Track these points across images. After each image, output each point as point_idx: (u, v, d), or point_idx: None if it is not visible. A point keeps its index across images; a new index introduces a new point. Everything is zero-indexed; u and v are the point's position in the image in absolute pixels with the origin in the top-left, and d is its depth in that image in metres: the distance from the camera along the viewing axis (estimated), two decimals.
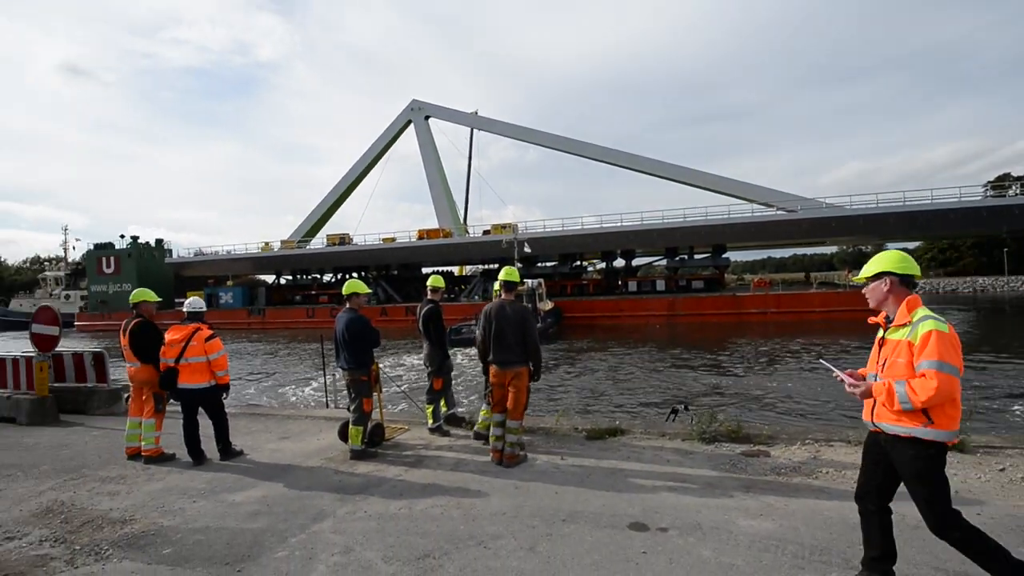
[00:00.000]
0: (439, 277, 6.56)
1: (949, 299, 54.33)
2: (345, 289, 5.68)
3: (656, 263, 53.99)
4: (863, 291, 2.81)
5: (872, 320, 2.81)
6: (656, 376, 17.30)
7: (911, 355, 2.46)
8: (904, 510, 3.59)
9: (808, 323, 32.58)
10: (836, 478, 4.28)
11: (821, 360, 3.13)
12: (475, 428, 5.87)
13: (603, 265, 50.31)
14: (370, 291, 5.82)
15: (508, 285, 5.15)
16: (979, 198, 36.91)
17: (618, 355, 22.11)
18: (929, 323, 2.44)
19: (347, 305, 5.63)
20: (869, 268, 2.74)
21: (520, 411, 4.98)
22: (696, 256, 46.03)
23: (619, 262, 49.18)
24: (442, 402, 6.33)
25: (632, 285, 45.61)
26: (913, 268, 2.64)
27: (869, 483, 2.76)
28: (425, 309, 6.27)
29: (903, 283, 2.63)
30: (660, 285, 44.36)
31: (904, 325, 2.54)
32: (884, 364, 2.62)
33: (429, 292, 6.47)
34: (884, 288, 2.66)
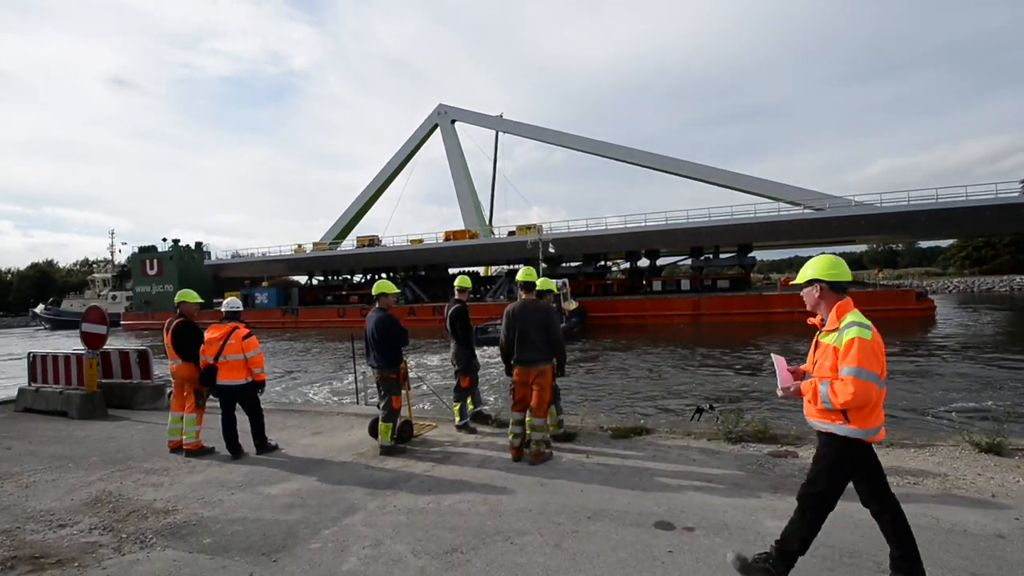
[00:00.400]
0: (466, 278, 6.65)
1: (984, 298, 52.05)
2: (375, 289, 5.83)
3: (681, 263, 53.29)
4: (801, 295, 2.95)
5: (810, 321, 2.99)
6: (681, 375, 17.08)
7: (835, 359, 2.63)
8: (938, 513, 3.52)
9: None
10: None
11: (771, 355, 3.25)
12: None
13: (627, 265, 49.93)
14: (398, 291, 5.93)
15: (526, 285, 5.26)
16: (1016, 194, 35.21)
17: (642, 354, 21.90)
18: (853, 330, 2.58)
19: (376, 305, 5.77)
20: (802, 274, 2.91)
21: (544, 408, 5.04)
22: (721, 255, 45.31)
23: (643, 262, 48.77)
24: (469, 400, 6.42)
25: (657, 285, 45.14)
26: (842, 275, 2.78)
27: (860, 488, 2.87)
28: (452, 308, 6.36)
29: (833, 289, 2.78)
30: (685, 285, 43.85)
31: (833, 330, 2.69)
32: (816, 365, 2.81)
33: (456, 292, 6.56)
34: (816, 294, 2.83)
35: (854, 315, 2.67)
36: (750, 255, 44.02)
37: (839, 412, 2.63)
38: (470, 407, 6.44)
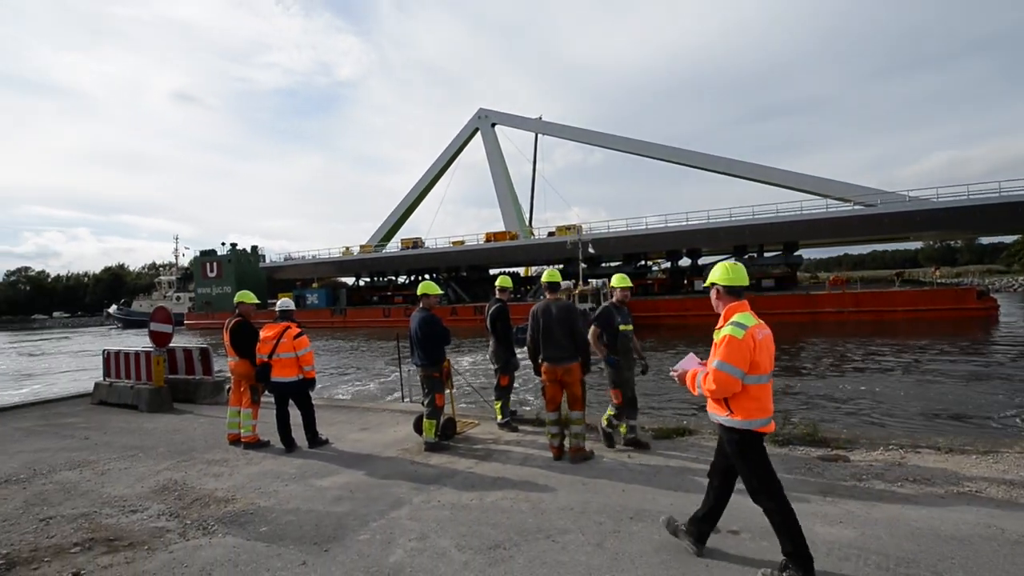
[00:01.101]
0: (507, 278, 6.75)
1: None
2: (419, 290, 5.97)
3: (723, 262, 51.82)
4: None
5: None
6: None
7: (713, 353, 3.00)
8: (1004, 523, 3.33)
9: (890, 323, 30.22)
10: (924, 487, 4.01)
11: (691, 353, 3.46)
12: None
13: (668, 264, 49.00)
14: (441, 292, 6.09)
15: (551, 286, 5.44)
16: None
17: (683, 354, 21.39)
18: (728, 328, 2.93)
19: (420, 305, 5.91)
20: (709, 279, 3.23)
21: (580, 403, 5.10)
22: (766, 254, 43.97)
23: (685, 261, 47.75)
24: (499, 404, 6.46)
25: (699, 284, 44.10)
26: (737, 280, 3.11)
27: (717, 463, 3.20)
28: (493, 308, 6.47)
29: (728, 292, 3.11)
30: None
31: (719, 328, 3.02)
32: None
33: (497, 292, 6.66)
34: (714, 296, 3.19)
35: (739, 316, 2.97)
36: (796, 253, 42.56)
37: (722, 403, 2.96)
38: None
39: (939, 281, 40.94)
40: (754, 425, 2.89)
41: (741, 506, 3.76)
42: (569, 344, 5.08)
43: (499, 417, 6.36)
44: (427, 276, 54.13)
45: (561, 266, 50.09)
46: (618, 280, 5.69)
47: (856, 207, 38.07)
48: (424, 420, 5.65)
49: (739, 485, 4.15)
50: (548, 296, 5.40)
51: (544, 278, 5.50)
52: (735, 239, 41.20)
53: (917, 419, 10.77)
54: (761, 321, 3.03)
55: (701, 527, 3.16)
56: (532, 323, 5.30)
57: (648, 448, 5.27)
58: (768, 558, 3.05)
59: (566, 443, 5.12)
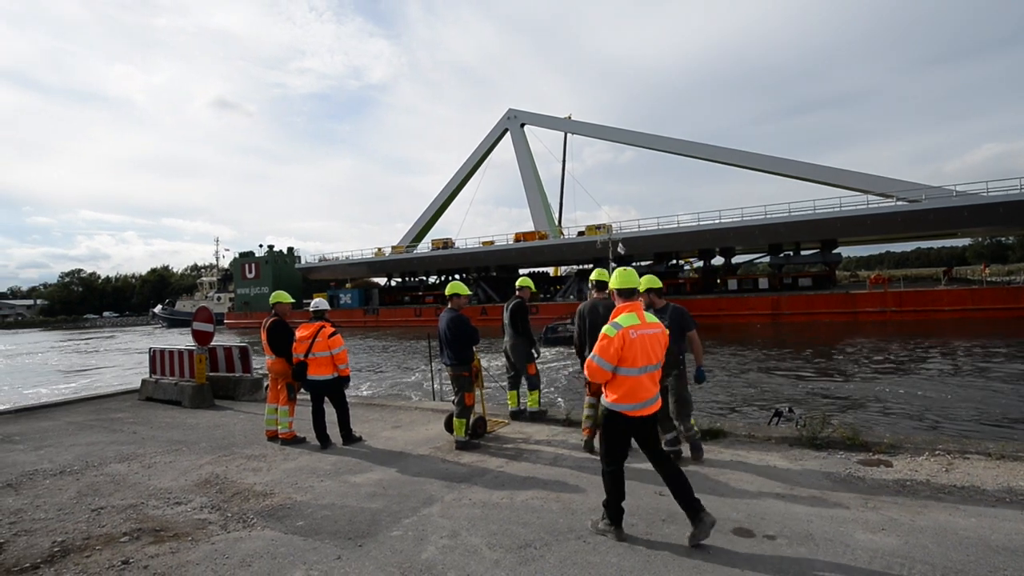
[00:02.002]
0: (527, 279, 6.92)
1: None
2: (448, 290, 6.04)
3: (758, 260, 50.56)
4: None
5: None
6: (758, 377, 16.21)
7: None
8: None
9: (936, 323, 28.92)
10: (973, 494, 3.83)
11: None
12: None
13: (701, 264, 48.05)
14: (470, 293, 6.19)
15: (599, 285, 5.48)
16: None
17: (717, 355, 20.99)
18: (606, 328, 3.45)
19: (449, 305, 5.97)
20: (610, 285, 3.79)
21: None
22: (803, 252, 42.70)
23: (718, 260, 46.73)
24: (536, 393, 6.71)
25: (732, 284, 43.11)
26: (628, 283, 3.62)
27: (643, 451, 3.63)
28: (513, 304, 6.71)
29: (620, 295, 3.61)
30: (763, 283, 41.68)
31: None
32: None
33: (517, 291, 6.84)
34: (613, 297, 3.71)
35: (620, 317, 3.46)
36: (835, 251, 41.17)
37: (604, 388, 3.53)
38: (530, 404, 6.72)
39: (989, 279, 38.99)
40: (620, 408, 3.43)
41: (780, 512, 3.68)
42: None
43: (533, 406, 6.61)
44: (456, 276, 54.63)
45: (591, 266, 49.77)
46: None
47: (899, 203, 36.60)
48: (454, 419, 5.70)
49: (780, 489, 4.06)
50: (596, 295, 5.48)
51: (593, 276, 5.62)
52: (770, 237, 40.07)
53: (965, 424, 10.30)
54: (648, 322, 3.49)
55: (684, 508, 3.41)
56: (579, 321, 5.42)
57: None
58: (808, 563, 2.97)
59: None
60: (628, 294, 3.59)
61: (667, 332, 3.65)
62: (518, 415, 6.74)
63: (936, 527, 3.34)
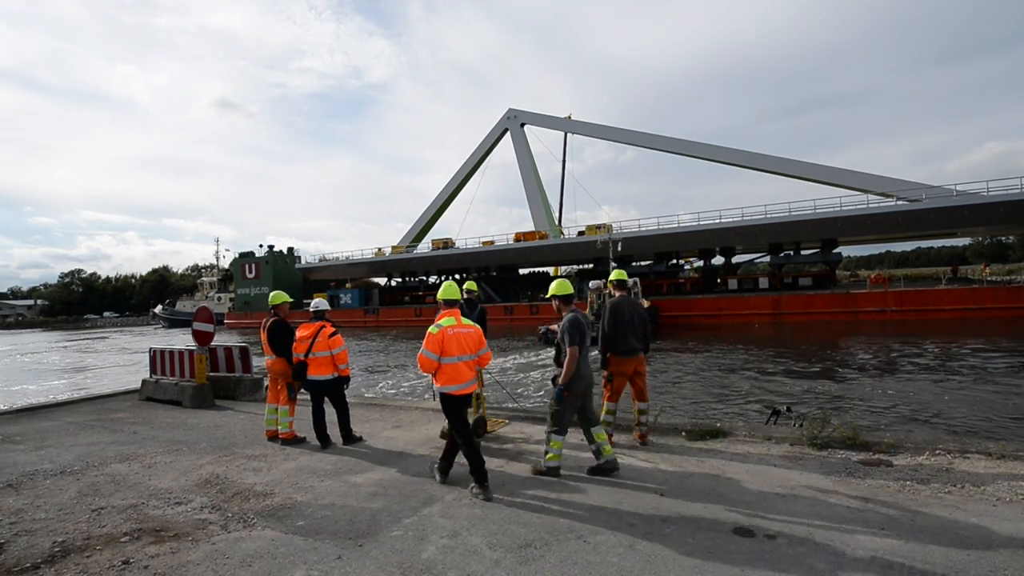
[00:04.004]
0: (470, 282, 6.49)
1: None
2: (438, 295, 5.77)
3: (758, 260, 50.61)
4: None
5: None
6: (757, 376, 16.21)
7: None
8: None
9: (936, 323, 28.95)
10: (973, 493, 3.83)
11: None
12: (545, 463, 4.76)
13: (701, 263, 48.07)
14: (460, 297, 5.90)
15: (619, 284, 5.80)
16: None
17: (717, 355, 20.99)
18: (430, 328, 4.45)
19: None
20: (438, 296, 4.75)
21: (647, 393, 5.60)
22: (803, 252, 42.70)
23: (718, 259, 46.75)
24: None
25: (732, 283, 43.12)
26: (449, 295, 4.69)
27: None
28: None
29: (445, 304, 4.66)
30: (763, 283, 41.70)
31: None
32: None
33: (464, 294, 6.16)
34: (440, 307, 4.70)
35: (442, 320, 4.50)
36: (835, 251, 41.18)
37: (434, 376, 4.46)
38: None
39: (989, 279, 38.99)
40: (449, 390, 4.37)
41: (781, 512, 3.68)
42: (643, 336, 5.52)
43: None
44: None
45: (591, 265, 49.80)
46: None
47: (899, 203, 36.60)
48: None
49: (781, 489, 4.06)
50: (618, 293, 5.69)
51: (613, 276, 5.87)
52: (771, 237, 40.09)
53: (965, 423, 10.29)
54: (463, 323, 4.55)
55: (447, 462, 4.65)
56: (612, 318, 5.47)
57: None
58: (808, 563, 2.97)
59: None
60: (450, 304, 4.65)
61: (478, 330, 4.64)
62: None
63: (937, 527, 3.34)
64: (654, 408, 6.15)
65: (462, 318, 4.59)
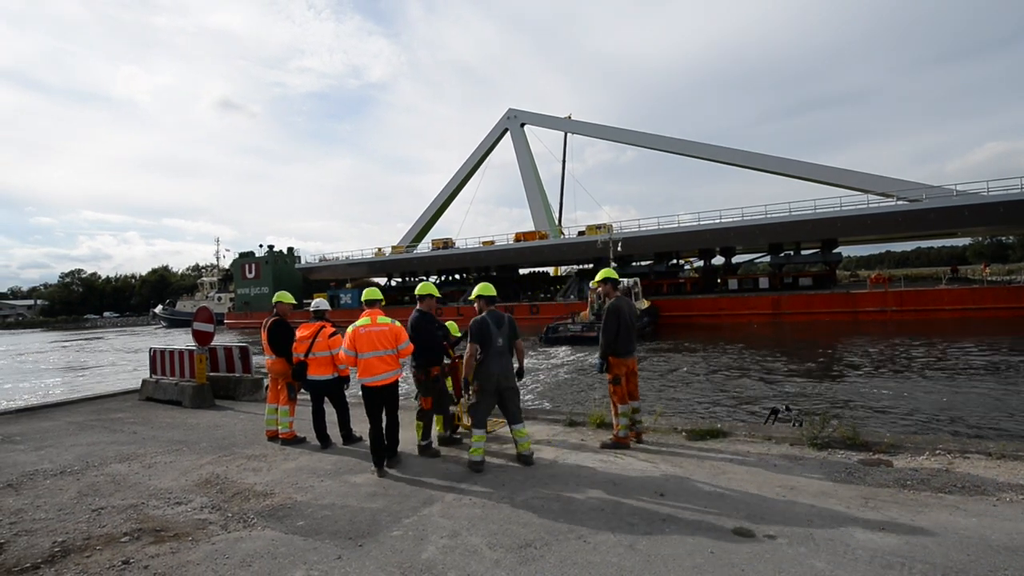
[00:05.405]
0: (429, 284, 5.78)
1: None
2: (417, 291, 5.71)
3: (758, 260, 50.65)
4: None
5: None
6: (758, 376, 16.21)
7: None
8: None
9: (937, 322, 29.00)
10: (973, 493, 3.83)
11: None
12: (469, 457, 5.01)
13: (701, 263, 48.09)
14: (439, 295, 5.88)
15: (613, 283, 5.78)
16: None
17: (717, 355, 20.99)
18: (348, 328, 5.12)
19: (418, 306, 5.69)
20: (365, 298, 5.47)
21: (638, 392, 5.74)
22: (803, 252, 42.75)
23: (718, 260, 46.77)
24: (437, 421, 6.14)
25: (733, 283, 43.16)
26: (370, 296, 5.47)
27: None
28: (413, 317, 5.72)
29: (367, 304, 5.33)
30: (763, 283, 41.73)
31: None
32: None
33: (419, 302, 5.75)
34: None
35: (358, 320, 5.10)
36: (835, 251, 41.23)
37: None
38: (437, 429, 6.12)
39: (989, 278, 39.01)
40: (364, 381, 4.98)
41: (781, 512, 3.68)
42: (635, 337, 5.66)
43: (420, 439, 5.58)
44: (455, 276, 54.28)
45: (591, 266, 49.80)
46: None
47: (899, 202, 36.63)
48: (415, 420, 5.64)
49: (781, 489, 4.06)
50: (616, 294, 5.66)
51: (601, 275, 5.82)
52: (771, 237, 40.13)
53: (966, 423, 10.29)
54: (378, 323, 5.08)
55: (378, 454, 5.02)
56: (616, 320, 5.49)
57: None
58: (808, 563, 2.97)
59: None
60: (372, 304, 5.32)
61: (394, 328, 5.09)
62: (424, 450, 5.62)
63: (937, 527, 3.34)
64: (654, 409, 6.16)
65: (378, 318, 5.08)
